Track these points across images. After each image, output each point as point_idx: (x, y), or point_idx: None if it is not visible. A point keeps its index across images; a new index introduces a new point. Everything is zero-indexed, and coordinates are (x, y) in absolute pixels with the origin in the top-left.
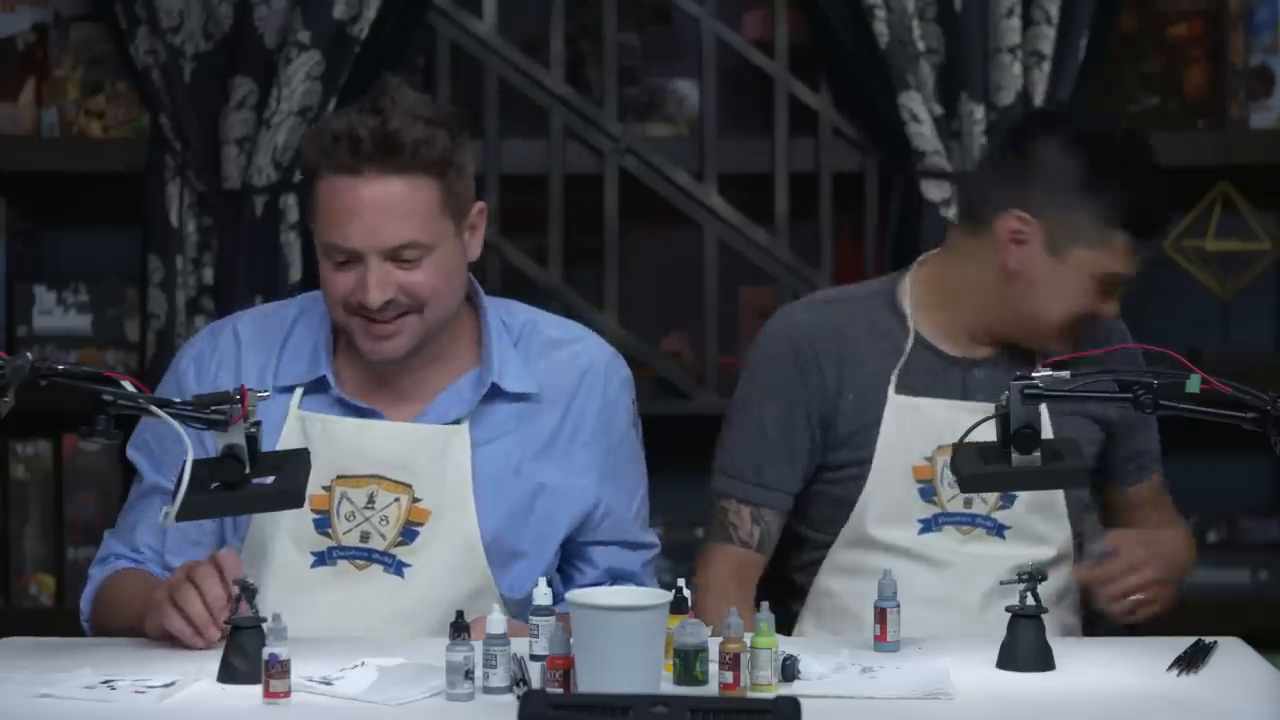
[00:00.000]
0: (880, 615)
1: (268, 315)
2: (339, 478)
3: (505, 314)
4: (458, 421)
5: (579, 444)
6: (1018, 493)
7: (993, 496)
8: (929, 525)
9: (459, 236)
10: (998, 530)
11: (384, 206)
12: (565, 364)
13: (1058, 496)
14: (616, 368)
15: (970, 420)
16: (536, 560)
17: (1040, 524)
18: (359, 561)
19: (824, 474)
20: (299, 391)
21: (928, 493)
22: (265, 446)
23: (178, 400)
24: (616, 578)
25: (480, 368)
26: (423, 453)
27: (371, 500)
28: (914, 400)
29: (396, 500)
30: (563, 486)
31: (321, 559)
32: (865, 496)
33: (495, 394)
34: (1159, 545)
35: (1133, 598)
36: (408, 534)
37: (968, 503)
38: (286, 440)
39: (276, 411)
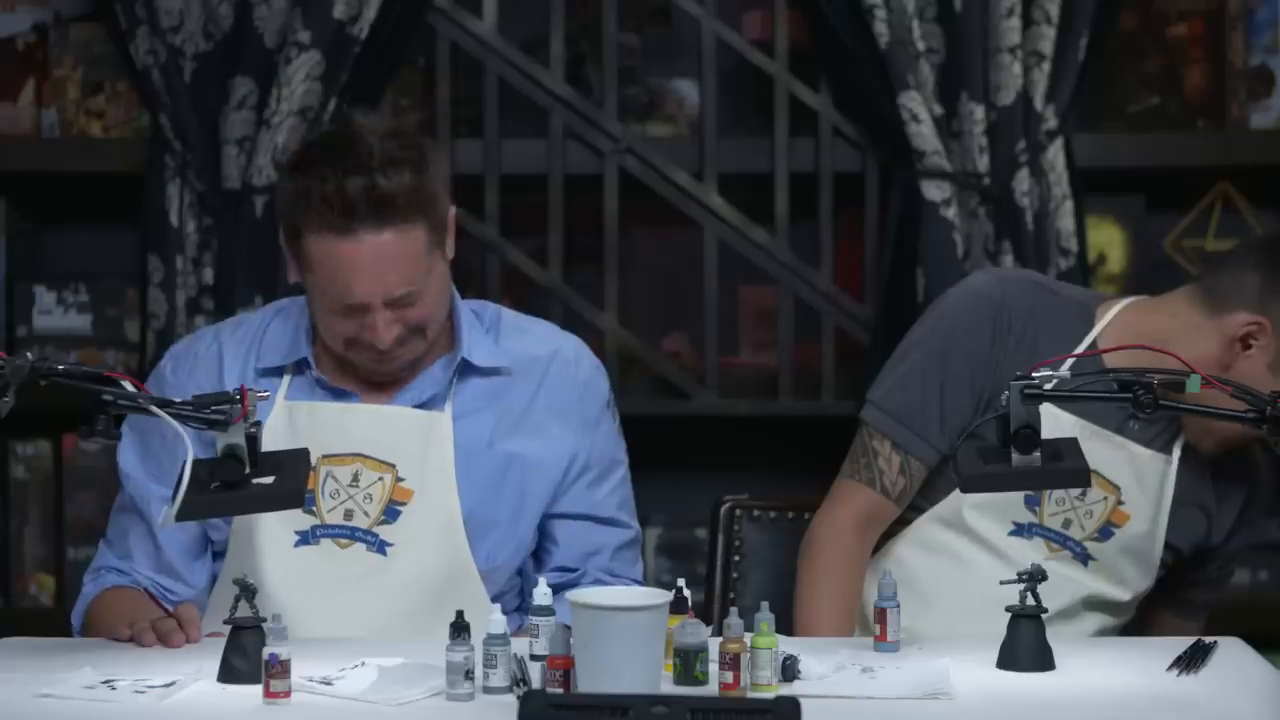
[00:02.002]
0: (880, 615)
1: (245, 318)
2: (324, 457)
3: (477, 308)
4: (432, 401)
5: (552, 418)
6: (1117, 530)
7: (1092, 526)
8: (1021, 531)
9: (444, 257)
10: (1083, 558)
11: (381, 261)
12: (535, 346)
13: (1155, 549)
14: (586, 354)
15: (1112, 455)
16: (510, 532)
17: (1127, 567)
18: (342, 540)
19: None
20: (285, 382)
21: (1033, 501)
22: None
23: (177, 400)
24: (590, 554)
25: (452, 352)
26: (407, 436)
27: (356, 478)
28: (1059, 411)
29: (380, 479)
30: (535, 457)
31: (305, 538)
32: None
33: (467, 371)
34: None
35: None
36: (390, 513)
37: (1065, 523)
38: (272, 427)
39: (262, 403)
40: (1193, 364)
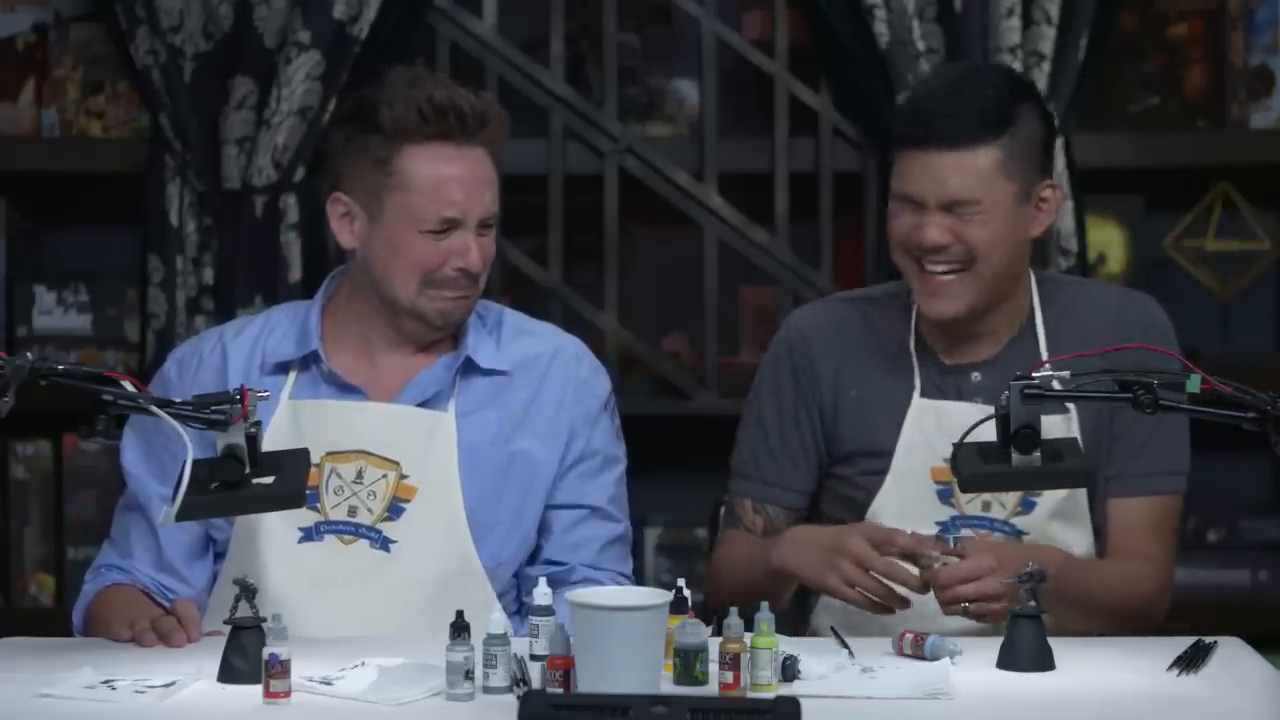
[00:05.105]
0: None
1: (248, 320)
2: (328, 454)
3: (481, 308)
4: (436, 399)
5: (552, 416)
6: (1038, 499)
7: (1011, 501)
8: (946, 527)
9: None
10: (1015, 535)
11: (480, 176)
12: (536, 347)
13: (1081, 504)
14: (587, 355)
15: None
16: (514, 529)
17: (1061, 531)
18: (345, 536)
19: (840, 470)
20: (291, 379)
21: (945, 494)
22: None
23: (177, 400)
24: (578, 546)
25: (454, 351)
26: (411, 433)
27: (360, 475)
28: (937, 403)
29: (384, 476)
30: (537, 456)
31: (309, 534)
32: (883, 495)
33: (470, 370)
34: (1016, 560)
35: (963, 605)
36: (394, 510)
37: (985, 506)
38: (276, 426)
39: (270, 398)
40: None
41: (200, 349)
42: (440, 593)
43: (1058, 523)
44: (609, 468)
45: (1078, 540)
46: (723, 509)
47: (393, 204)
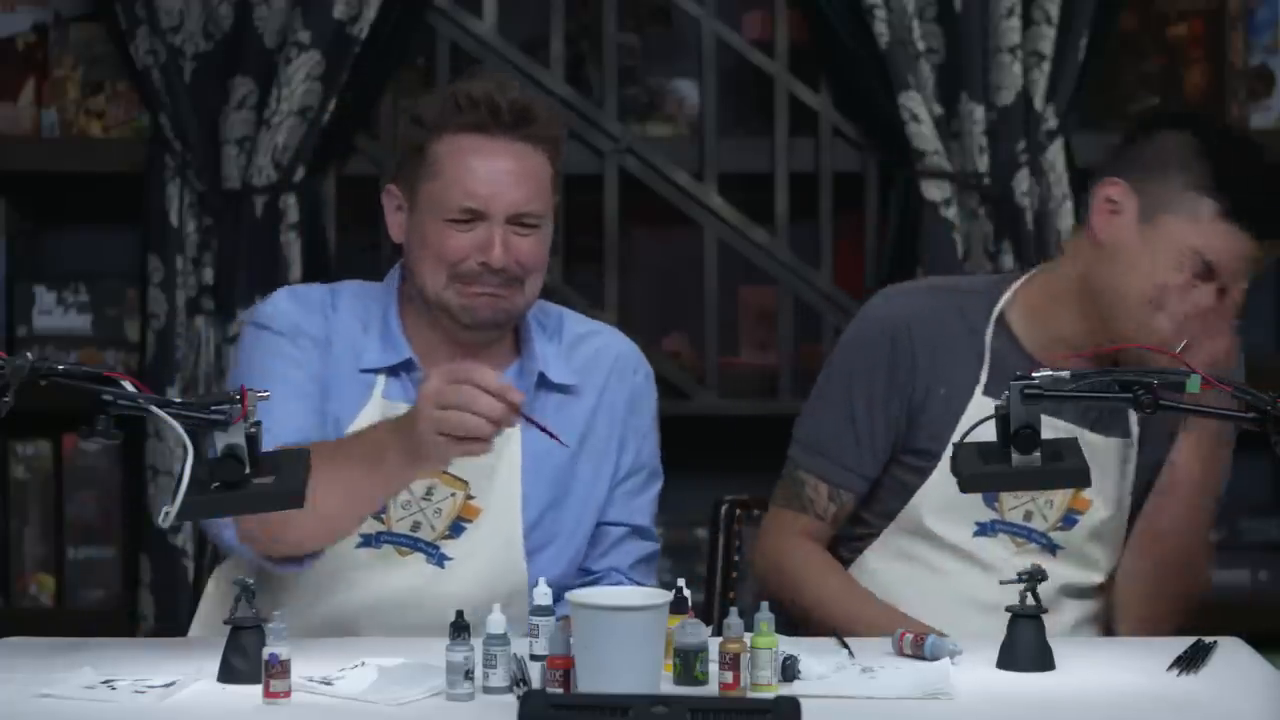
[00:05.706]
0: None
1: (346, 304)
2: None
3: (539, 312)
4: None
5: (607, 430)
6: (1080, 516)
7: (1054, 515)
8: (985, 529)
9: (550, 224)
10: (1050, 548)
11: (514, 170)
12: (595, 355)
13: (1123, 531)
14: (643, 364)
15: (1052, 434)
16: (566, 546)
17: (1097, 551)
18: (403, 548)
19: (905, 458)
20: (381, 380)
21: (990, 498)
22: (345, 424)
23: (178, 400)
24: (614, 560)
25: (520, 360)
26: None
27: (430, 492)
28: (996, 403)
29: (452, 495)
30: (594, 474)
31: (368, 541)
32: (927, 488)
33: (540, 383)
34: None
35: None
36: (455, 529)
37: (1027, 516)
38: (363, 422)
39: (360, 393)
40: (1090, 280)
41: (314, 317)
42: (486, 610)
43: (1095, 544)
44: (651, 483)
45: (1106, 559)
46: (777, 486)
47: (424, 192)
